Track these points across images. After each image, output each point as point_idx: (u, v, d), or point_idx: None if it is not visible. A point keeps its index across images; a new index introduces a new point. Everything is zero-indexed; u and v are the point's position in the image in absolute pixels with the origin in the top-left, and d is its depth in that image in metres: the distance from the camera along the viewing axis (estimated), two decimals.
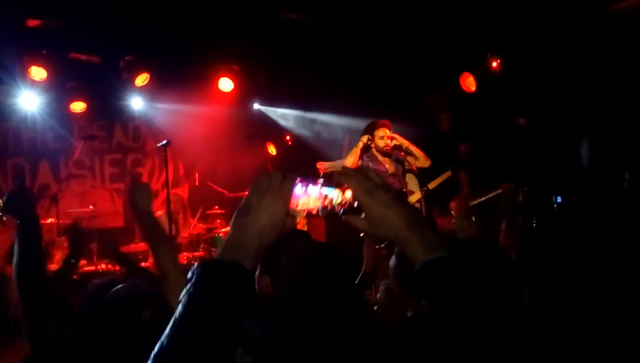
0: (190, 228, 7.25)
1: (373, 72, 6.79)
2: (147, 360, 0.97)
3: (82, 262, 6.51)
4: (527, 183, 6.79)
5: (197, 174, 8.43)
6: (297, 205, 1.22)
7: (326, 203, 1.24)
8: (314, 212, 1.25)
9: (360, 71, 6.84)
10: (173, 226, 6.41)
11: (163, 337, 1.00)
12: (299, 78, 7.29)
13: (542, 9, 6.40)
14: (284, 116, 8.72)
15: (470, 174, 6.93)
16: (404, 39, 6.60)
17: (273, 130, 8.72)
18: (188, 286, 1.05)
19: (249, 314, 1.05)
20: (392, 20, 6.34)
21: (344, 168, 1.22)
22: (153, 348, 0.99)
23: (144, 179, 8.63)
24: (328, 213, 1.25)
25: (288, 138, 8.83)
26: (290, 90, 7.86)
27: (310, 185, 1.24)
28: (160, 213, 6.39)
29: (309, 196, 1.24)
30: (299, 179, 1.20)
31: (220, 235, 7.06)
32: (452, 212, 6.54)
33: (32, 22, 6.28)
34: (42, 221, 6.75)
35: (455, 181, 6.65)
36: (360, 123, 6.30)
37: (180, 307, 1.03)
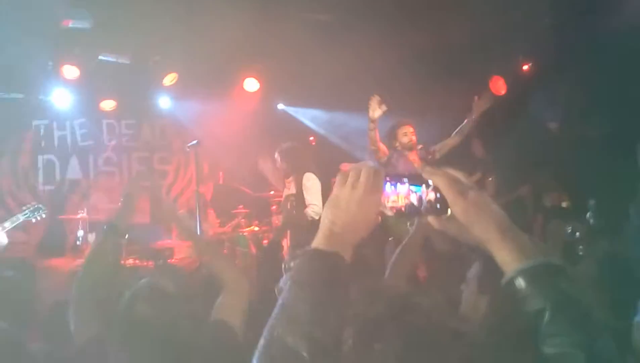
0: (214, 227, 7.35)
1: (401, 72, 6.77)
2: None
3: None
4: (557, 187, 6.77)
5: (221, 174, 8.54)
6: (387, 202, 1.21)
7: (414, 201, 1.21)
8: (403, 210, 1.22)
9: (388, 71, 6.84)
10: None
11: (270, 322, 1.04)
12: (324, 78, 7.33)
13: (575, 12, 6.38)
14: (309, 116, 8.77)
15: (493, 176, 6.92)
16: (433, 40, 6.58)
17: (297, 130, 8.78)
18: (292, 273, 1.10)
19: (346, 303, 1.07)
20: (420, 21, 6.34)
21: (430, 168, 1.22)
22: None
23: (170, 177, 8.78)
24: (415, 212, 1.22)
25: (312, 138, 8.89)
26: (315, 90, 7.90)
27: (399, 183, 1.22)
28: (182, 211, 6.49)
29: (397, 194, 1.22)
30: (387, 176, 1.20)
31: (245, 234, 7.13)
32: None
33: (66, 22, 6.44)
34: (72, 217, 6.97)
35: (481, 184, 6.63)
36: (386, 123, 6.27)
37: (286, 293, 1.07)
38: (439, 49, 6.70)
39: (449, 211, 1.16)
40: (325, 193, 5.69)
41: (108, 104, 7.97)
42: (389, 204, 1.22)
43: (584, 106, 6.69)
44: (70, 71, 7.17)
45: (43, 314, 2.96)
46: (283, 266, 1.16)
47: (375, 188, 1.16)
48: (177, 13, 6.05)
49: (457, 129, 6.04)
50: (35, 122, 7.94)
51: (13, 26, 5.73)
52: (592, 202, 4.87)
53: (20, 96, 6.99)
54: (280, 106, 8.85)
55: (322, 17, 6.87)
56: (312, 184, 5.91)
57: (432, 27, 6.40)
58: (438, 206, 1.17)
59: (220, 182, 8.50)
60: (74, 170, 8.37)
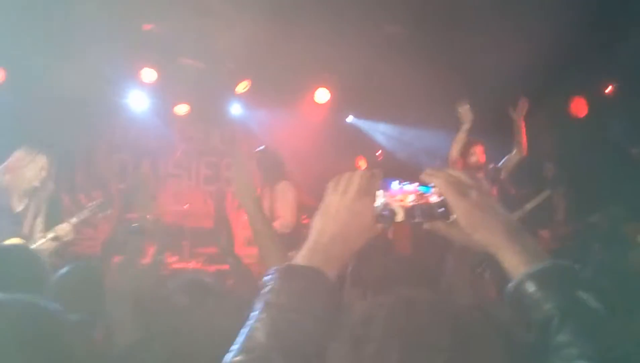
0: None
1: (477, 91, 6.55)
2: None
3: (174, 258, 6.75)
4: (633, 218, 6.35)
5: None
6: (393, 204, 1.10)
7: (423, 202, 1.11)
8: (412, 214, 1.11)
9: (463, 88, 6.64)
10: None
11: (236, 342, 0.94)
12: (396, 92, 7.20)
13: None
14: (377, 130, 8.65)
15: (566, 199, 6.59)
16: (512, 58, 6.35)
17: (365, 144, 8.68)
18: (264, 290, 0.97)
19: (330, 326, 0.95)
20: (499, 38, 6.11)
21: (430, 169, 1.11)
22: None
23: None
24: (426, 215, 1.11)
25: (379, 153, 8.76)
26: (386, 104, 7.78)
27: (407, 183, 1.13)
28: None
29: (405, 193, 1.12)
30: (395, 177, 1.11)
31: None
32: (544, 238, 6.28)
33: (147, 26, 6.62)
34: (139, 216, 7.09)
35: (550, 206, 6.32)
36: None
37: (256, 313, 0.95)
38: (519, 68, 6.44)
39: (452, 216, 1.06)
40: None
41: (182, 108, 8.14)
42: (395, 206, 1.09)
43: None
44: (149, 74, 7.37)
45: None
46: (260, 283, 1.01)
47: (368, 192, 1.06)
48: (253, 21, 6.08)
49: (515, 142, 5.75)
50: (111, 122, 8.17)
51: (96, 28, 5.93)
52: None
53: (99, 96, 7.21)
54: (350, 119, 8.77)
55: (398, 29, 6.74)
56: (283, 194, 5.65)
57: (512, 44, 6.15)
58: (440, 210, 1.07)
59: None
60: (144, 171, 8.56)
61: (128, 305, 2.11)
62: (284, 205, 5.57)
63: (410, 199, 1.11)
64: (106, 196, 4.98)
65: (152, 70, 7.35)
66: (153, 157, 8.56)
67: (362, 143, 8.68)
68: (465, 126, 5.57)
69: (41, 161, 4.48)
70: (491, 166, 5.82)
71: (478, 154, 5.71)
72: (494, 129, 6.28)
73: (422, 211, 1.09)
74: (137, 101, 7.72)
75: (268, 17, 6.10)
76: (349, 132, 8.73)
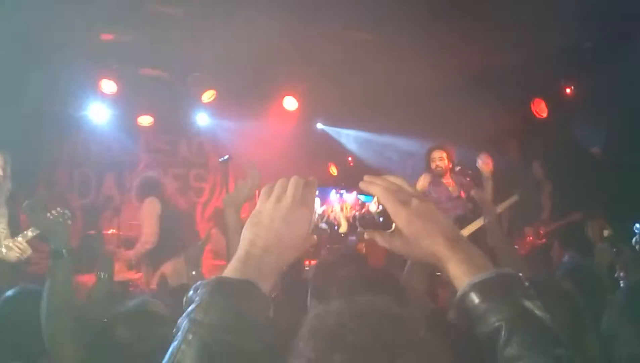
0: None
1: (441, 94, 6.58)
2: None
3: (138, 275, 6.51)
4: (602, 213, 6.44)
5: (257, 192, 8.37)
6: (330, 213, 1.03)
7: (363, 211, 1.04)
8: (351, 223, 1.05)
9: (428, 92, 6.65)
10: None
11: None
12: (365, 98, 7.16)
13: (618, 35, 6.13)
14: (347, 136, 8.59)
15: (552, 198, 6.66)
16: (474, 62, 6.40)
17: (335, 151, 8.61)
18: (190, 308, 0.87)
19: (263, 342, 0.88)
20: (462, 43, 6.13)
21: (368, 176, 1.04)
22: None
23: (205, 195, 8.67)
24: (367, 225, 1.05)
25: (350, 159, 8.70)
26: (356, 110, 7.73)
27: (345, 192, 1.05)
28: (213, 230, 6.31)
29: (344, 203, 1.05)
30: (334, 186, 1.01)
31: None
32: (528, 236, 6.32)
33: (106, 37, 6.42)
34: (104, 232, 6.88)
35: (533, 204, 6.43)
36: (426, 146, 6.15)
37: (181, 334, 0.86)
38: (480, 71, 6.51)
39: (394, 225, 0.99)
40: None
41: (146, 120, 7.93)
42: (334, 216, 1.02)
43: (627, 130, 6.46)
44: (109, 86, 7.14)
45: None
46: (184, 299, 0.90)
47: (305, 201, 0.99)
48: (216, 29, 5.95)
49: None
50: (72, 136, 7.91)
51: (55, 39, 5.72)
52: (638, 226, 4.56)
53: (58, 109, 6.97)
54: (320, 126, 8.68)
55: (363, 35, 6.69)
56: (145, 209, 5.61)
57: (474, 49, 6.20)
58: (381, 219, 1.00)
59: (256, 201, 8.34)
60: (109, 185, 8.32)
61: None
62: (144, 222, 5.59)
63: (349, 210, 1.03)
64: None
65: (112, 81, 7.12)
66: (117, 170, 8.33)
67: (332, 150, 8.61)
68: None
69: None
70: (458, 168, 5.87)
71: (439, 160, 5.75)
72: (456, 133, 6.33)
73: (363, 220, 1.05)
74: (98, 113, 7.48)
75: (233, 25, 5.97)
76: (319, 139, 8.64)
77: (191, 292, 0.90)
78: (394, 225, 0.99)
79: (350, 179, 8.38)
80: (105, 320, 1.82)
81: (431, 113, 6.93)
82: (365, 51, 6.66)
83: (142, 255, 5.54)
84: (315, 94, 7.85)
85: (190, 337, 0.84)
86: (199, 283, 0.90)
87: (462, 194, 5.76)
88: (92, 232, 7.39)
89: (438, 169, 5.75)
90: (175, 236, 5.57)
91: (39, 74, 6.22)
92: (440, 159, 5.76)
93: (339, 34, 6.50)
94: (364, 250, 6.37)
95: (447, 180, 5.81)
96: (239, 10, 5.69)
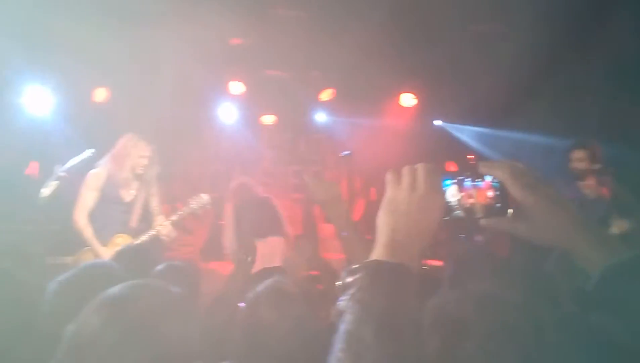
0: None
1: (577, 88, 6.15)
2: None
3: None
4: None
5: (373, 190, 8.48)
6: (466, 199, 1.08)
7: (481, 198, 1.07)
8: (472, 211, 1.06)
9: (562, 86, 6.25)
10: None
11: (336, 353, 0.90)
12: (486, 93, 6.96)
13: None
14: (469, 133, 8.42)
15: None
16: (614, 54, 5.88)
17: (455, 148, 8.48)
18: (353, 290, 0.93)
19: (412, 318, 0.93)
20: (605, 32, 5.69)
21: (488, 161, 1.06)
22: None
23: None
24: (485, 212, 1.07)
25: (470, 157, 8.52)
26: (476, 106, 7.56)
27: (479, 179, 1.09)
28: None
29: (477, 189, 1.09)
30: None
31: None
32: None
33: (234, 41, 6.84)
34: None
35: None
36: (557, 143, 5.72)
37: (348, 316, 0.91)
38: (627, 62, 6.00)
39: (510, 210, 1.01)
40: None
41: (268, 119, 8.34)
42: (468, 202, 1.07)
43: None
44: (236, 87, 7.61)
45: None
46: (340, 282, 0.97)
47: (437, 188, 1.02)
48: (335, 30, 6.13)
49: None
50: (203, 134, 8.48)
51: (189, 45, 6.19)
52: None
53: (192, 109, 7.52)
54: (438, 122, 8.60)
55: (483, 28, 6.53)
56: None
57: (618, 38, 5.72)
58: (498, 205, 1.02)
59: (373, 199, 8.45)
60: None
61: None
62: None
63: (484, 195, 1.06)
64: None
65: (239, 83, 7.58)
66: (244, 166, 8.81)
67: (451, 148, 8.48)
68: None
69: (142, 147, 4.63)
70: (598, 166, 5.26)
71: (578, 161, 5.11)
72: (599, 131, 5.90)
73: (483, 208, 1.06)
74: (227, 112, 7.98)
75: (350, 25, 6.12)
76: (438, 136, 8.56)
77: (348, 275, 0.96)
78: (510, 211, 1.01)
79: (470, 179, 8.24)
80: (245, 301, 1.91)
81: (569, 108, 6.50)
82: (486, 43, 6.51)
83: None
84: (434, 91, 7.80)
85: (363, 316, 0.89)
86: (354, 267, 0.96)
87: (604, 192, 5.23)
88: (222, 222, 7.94)
89: (580, 170, 5.10)
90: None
91: (174, 80, 6.76)
92: (579, 159, 5.09)
93: (459, 27, 6.39)
94: (486, 239, 6.21)
95: (589, 183, 5.15)
96: (356, 11, 5.82)
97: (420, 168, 1.04)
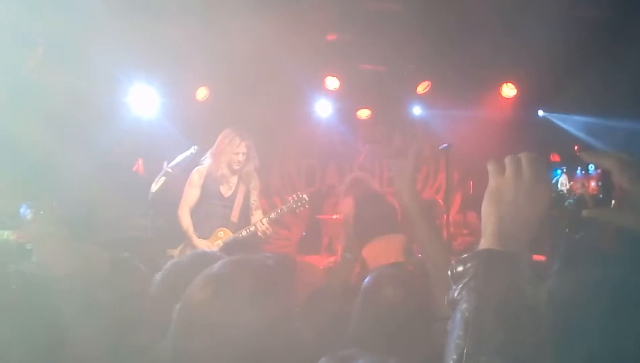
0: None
1: None
2: None
3: None
4: None
5: (471, 183, 8.28)
6: (575, 188, 1.05)
7: (584, 187, 1.03)
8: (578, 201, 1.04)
9: None
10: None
11: (454, 341, 0.92)
12: (593, 81, 6.58)
13: None
14: (575, 123, 8.00)
15: None
16: None
17: (559, 139, 8.09)
18: (466, 279, 0.94)
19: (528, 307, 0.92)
20: None
21: (590, 151, 1.03)
22: None
23: (419, 185, 8.82)
24: (590, 201, 1.04)
25: (576, 147, 8.10)
26: (582, 95, 7.16)
27: (589, 169, 1.05)
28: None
29: (588, 179, 1.05)
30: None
31: None
32: None
33: (330, 37, 6.92)
34: (327, 217, 7.44)
35: None
36: None
37: (464, 304, 0.93)
38: None
39: (613, 201, 0.92)
40: None
41: (364, 113, 8.36)
42: (579, 191, 1.00)
43: None
44: (332, 82, 7.70)
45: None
46: (449, 272, 0.96)
47: (543, 176, 1.00)
48: (431, 22, 6.03)
49: None
50: (298, 129, 8.67)
51: (287, 43, 6.34)
52: None
53: (288, 105, 7.70)
54: (541, 113, 8.24)
55: (591, 14, 6.16)
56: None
57: None
58: (601, 195, 0.93)
59: (470, 192, 8.25)
60: (331, 174, 8.95)
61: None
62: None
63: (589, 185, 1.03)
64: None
65: (335, 78, 7.66)
66: (338, 161, 8.90)
67: (556, 139, 8.09)
68: None
69: (237, 143, 4.77)
70: None
71: None
72: None
73: (590, 197, 1.02)
74: (323, 108, 8.08)
75: (448, 16, 6.00)
76: (541, 127, 8.19)
77: (455, 265, 0.97)
78: (613, 202, 0.98)
79: (576, 169, 7.84)
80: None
81: None
82: (595, 29, 6.14)
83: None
84: (536, 80, 7.47)
85: (480, 304, 0.90)
86: (465, 256, 0.97)
87: None
88: (319, 217, 8.09)
89: None
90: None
91: (273, 78, 6.94)
92: None
93: (561, 14, 6.08)
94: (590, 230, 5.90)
95: None
96: (453, 2, 5.70)
97: (524, 156, 1.03)
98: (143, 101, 6.97)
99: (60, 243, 1.91)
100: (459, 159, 8.17)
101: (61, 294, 1.78)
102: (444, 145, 5.81)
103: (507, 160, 1.05)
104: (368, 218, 5.53)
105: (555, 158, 8.18)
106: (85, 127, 5.91)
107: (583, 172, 7.27)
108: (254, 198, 4.94)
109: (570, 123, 8.02)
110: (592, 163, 1.01)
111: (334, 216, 7.48)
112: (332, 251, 7.26)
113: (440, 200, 7.63)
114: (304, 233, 8.52)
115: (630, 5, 5.54)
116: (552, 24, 6.00)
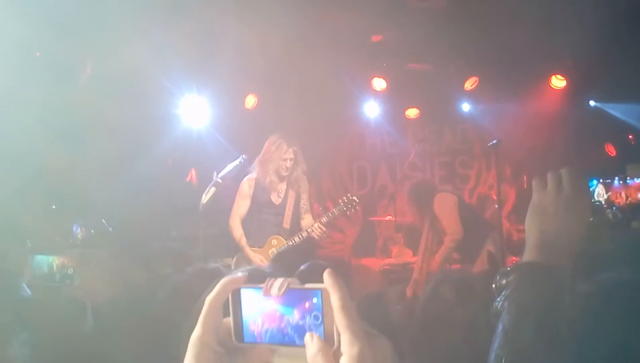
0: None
1: None
2: None
3: (415, 258, 6.92)
4: None
5: (525, 177, 8.17)
6: (614, 199, 1.10)
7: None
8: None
9: None
10: None
11: (495, 351, 0.96)
12: None
13: None
14: (628, 111, 7.80)
15: None
16: None
17: (613, 129, 7.90)
18: (507, 291, 0.99)
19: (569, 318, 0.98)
20: None
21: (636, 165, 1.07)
22: None
23: (472, 182, 8.76)
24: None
25: (631, 136, 7.89)
26: (635, 82, 6.98)
27: (626, 178, 1.11)
28: None
29: (627, 189, 1.10)
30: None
31: None
32: None
33: (375, 38, 7.00)
34: (381, 219, 7.46)
35: None
36: None
37: (505, 315, 0.97)
38: None
39: None
40: None
41: (412, 112, 8.40)
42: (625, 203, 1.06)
43: None
44: (379, 83, 7.78)
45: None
46: (494, 284, 1.02)
47: (583, 189, 1.06)
48: (474, 16, 6.03)
49: None
50: (349, 132, 8.75)
51: (334, 45, 6.46)
52: None
53: (337, 107, 7.80)
54: (592, 103, 8.07)
55: (633, 2, 6.02)
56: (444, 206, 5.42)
57: None
58: None
59: (525, 187, 8.14)
60: (383, 175, 8.98)
61: None
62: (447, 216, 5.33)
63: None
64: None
65: (381, 79, 7.73)
66: (389, 161, 8.93)
67: (609, 129, 7.91)
68: None
69: (284, 149, 4.71)
70: None
71: None
72: None
73: (633, 208, 1.08)
74: (371, 109, 8.17)
75: (491, 10, 5.98)
76: (593, 118, 8.02)
77: (498, 277, 1.03)
78: None
79: (633, 158, 7.63)
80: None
81: None
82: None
83: (452, 249, 5.36)
84: (585, 70, 7.34)
85: (520, 315, 0.96)
86: (507, 269, 1.03)
87: None
88: (372, 218, 8.14)
89: None
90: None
91: (321, 82, 7.03)
92: None
93: (607, 2, 5.97)
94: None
95: None
96: None
97: (564, 172, 1.09)
98: (194, 111, 7.08)
99: (103, 268, 1.93)
100: (510, 154, 8.09)
101: (103, 318, 1.83)
102: (493, 141, 5.78)
103: (549, 176, 1.10)
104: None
105: (610, 148, 8.00)
106: (139, 140, 6.11)
107: (621, 182, 7.10)
108: (304, 202, 4.91)
109: (623, 111, 7.82)
110: (636, 176, 1.06)
111: (387, 218, 7.51)
112: (387, 253, 7.27)
113: (494, 196, 7.53)
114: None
115: None
116: (597, 12, 5.90)
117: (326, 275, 0.69)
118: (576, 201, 1.05)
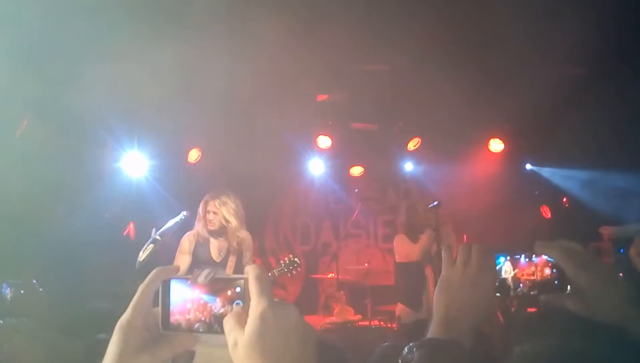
0: None
1: None
2: None
3: (357, 317, 6.89)
4: None
5: (465, 236, 8.31)
6: (520, 276, 1.14)
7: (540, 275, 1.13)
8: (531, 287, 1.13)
9: None
10: None
11: None
12: (578, 135, 6.74)
13: None
14: (561, 176, 8.14)
15: None
16: None
17: (547, 192, 8.20)
18: None
19: None
20: None
21: (542, 241, 1.09)
22: None
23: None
24: (544, 288, 1.14)
25: (565, 200, 8.20)
26: (569, 148, 7.32)
27: (532, 255, 1.15)
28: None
29: (533, 265, 1.15)
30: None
31: None
32: None
33: (321, 97, 7.10)
34: (323, 276, 7.38)
35: None
36: None
37: None
38: None
39: (569, 287, 1.04)
40: None
41: (356, 170, 8.48)
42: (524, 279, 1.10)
43: None
44: (324, 141, 7.85)
45: None
46: (400, 360, 1.03)
47: (489, 265, 1.07)
48: (419, 80, 6.21)
49: None
50: (293, 188, 8.73)
51: (278, 105, 6.50)
52: None
53: (282, 165, 7.80)
54: (529, 166, 8.39)
55: (575, 71, 6.38)
56: None
57: None
58: (556, 282, 1.07)
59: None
60: (326, 232, 8.96)
61: None
62: None
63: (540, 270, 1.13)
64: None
65: (327, 136, 7.81)
66: (333, 218, 8.94)
67: (544, 192, 8.21)
68: None
69: (210, 204, 4.63)
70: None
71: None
72: None
73: (540, 284, 1.13)
74: (315, 166, 8.21)
75: (435, 76, 6.18)
76: (529, 181, 8.33)
77: (406, 351, 1.03)
78: (569, 287, 1.05)
79: (565, 221, 7.90)
80: None
81: None
82: (576, 86, 6.33)
83: None
84: (523, 134, 7.65)
85: None
86: (411, 344, 1.03)
87: None
88: (315, 276, 8.06)
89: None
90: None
91: (266, 138, 7.05)
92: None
93: (547, 71, 6.29)
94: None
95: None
96: (441, 61, 5.88)
97: (474, 246, 1.10)
98: (135, 164, 6.94)
99: (28, 337, 1.88)
100: (450, 214, 8.23)
101: None
102: (434, 203, 5.88)
103: (459, 249, 1.12)
104: None
105: (545, 210, 8.27)
106: (76, 192, 5.90)
107: (527, 260, 7.30)
108: (247, 259, 4.78)
109: (558, 175, 8.15)
110: (542, 254, 1.09)
111: (330, 275, 7.45)
112: (329, 311, 7.19)
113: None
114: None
115: (605, 65, 5.75)
116: (536, 81, 6.20)
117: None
118: (481, 277, 1.06)
